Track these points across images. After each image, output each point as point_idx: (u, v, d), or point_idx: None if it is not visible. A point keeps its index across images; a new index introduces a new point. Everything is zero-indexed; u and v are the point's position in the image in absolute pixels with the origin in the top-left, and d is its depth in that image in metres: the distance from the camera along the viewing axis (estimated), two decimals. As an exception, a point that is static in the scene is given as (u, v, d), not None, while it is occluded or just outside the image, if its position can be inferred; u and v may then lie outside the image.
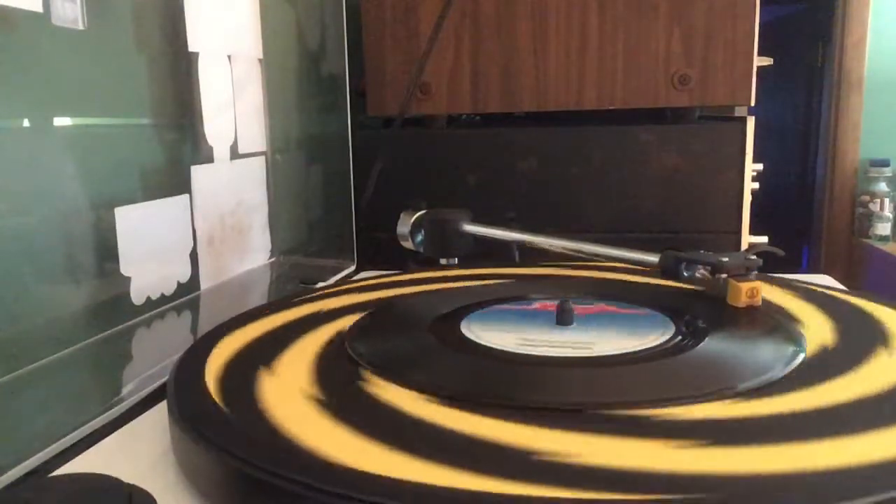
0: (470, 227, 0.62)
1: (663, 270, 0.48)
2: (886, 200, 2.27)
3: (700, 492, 0.23)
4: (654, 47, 0.81)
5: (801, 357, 0.35)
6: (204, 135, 0.61)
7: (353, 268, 0.78)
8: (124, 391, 0.41)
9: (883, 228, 2.27)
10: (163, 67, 0.55)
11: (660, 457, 0.26)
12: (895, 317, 0.42)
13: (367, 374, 0.35)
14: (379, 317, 0.45)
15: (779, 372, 0.33)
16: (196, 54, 0.59)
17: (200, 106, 0.60)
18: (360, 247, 0.80)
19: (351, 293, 0.51)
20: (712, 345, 0.37)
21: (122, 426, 0.36)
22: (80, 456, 0.33)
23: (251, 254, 0.69)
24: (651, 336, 0.39)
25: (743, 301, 0.43)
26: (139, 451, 0.33)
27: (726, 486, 0.24)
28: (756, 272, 0.44)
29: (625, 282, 0.53)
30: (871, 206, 2.30)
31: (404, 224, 0.63)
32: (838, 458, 0.25)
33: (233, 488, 0.28)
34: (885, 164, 2.33)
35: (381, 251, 0.73)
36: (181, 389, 0.34)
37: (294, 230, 0.77)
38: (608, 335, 0.40)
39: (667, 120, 0.85)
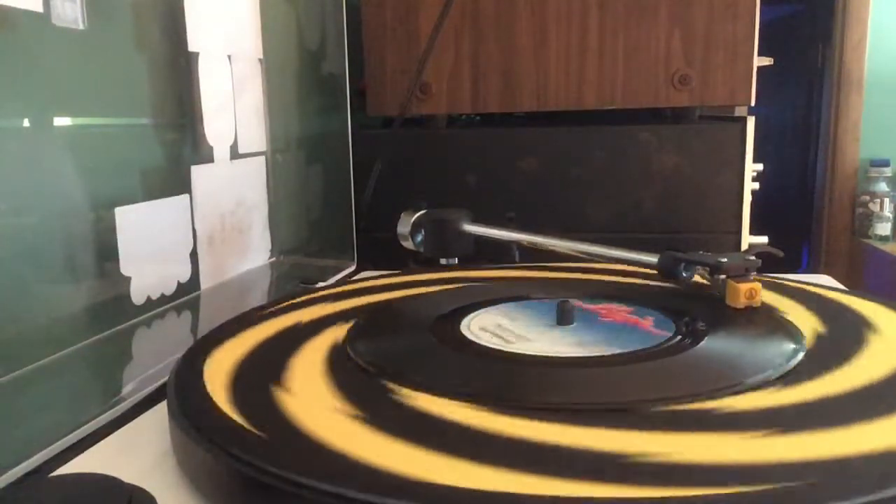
0: (470, 227, 0.62)
1: (662, 271, 0.48)
2: (886, 200, 2.27)
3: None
4: (654, 47, 0.81)
5: (796, 360, 0.35)
6: (204, 135, 0.61)
7: (353, 268, 0.78)
8: (124, 391, 0.41)
9: (883, 228, 2.27)
10: (163, 67, 0.55)
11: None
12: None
13: (367, 376, 0.35)
14: (379, 317, 0.45)
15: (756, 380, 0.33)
16: (196, 54, 0.59)
17: (200, 106, 0.60)
18: (360, 247, 0.80)
19: (351, 293, 0.51)
20: (706, 346, 0.37)
21: (122, 426, 0.36)
22: (80, 456, 0.33)
23: (251, 254, 0.69)
24: (651, 336, 0.39)
25: (742, 302, 0.43)
26: (139, 451, 0.33)
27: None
28: (755, 273, 0.44)
29: (625, 282, 0.53)
30: (871, 206, 2.29)
31: (404, 224, 0.63)
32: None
33: (233, 488, 0.28)
34: (885, 164, 2.32)
35: (381, 251, 0.73)
36: (181, 389, 0.34)
37: (294, 230, 0.77)
38: (608, 335, 0.40)
39: (667, 120, 0.85)
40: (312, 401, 0.32)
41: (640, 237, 0.81)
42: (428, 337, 0.40)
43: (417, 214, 0.63)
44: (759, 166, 0.91)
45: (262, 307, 0.47)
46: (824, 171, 2.41)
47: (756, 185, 0.87)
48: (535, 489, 0.24)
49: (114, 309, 0.50)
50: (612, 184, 0.82)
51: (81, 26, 0.46)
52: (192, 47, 0.58)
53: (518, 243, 0.61)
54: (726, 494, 0.23)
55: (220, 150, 0.63)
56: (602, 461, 0.26)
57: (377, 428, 0.29)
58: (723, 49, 0.79)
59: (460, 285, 0.52)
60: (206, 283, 0.61)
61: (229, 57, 0.64)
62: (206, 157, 0.61)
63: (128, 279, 0.51)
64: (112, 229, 0.49)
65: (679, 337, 0.39)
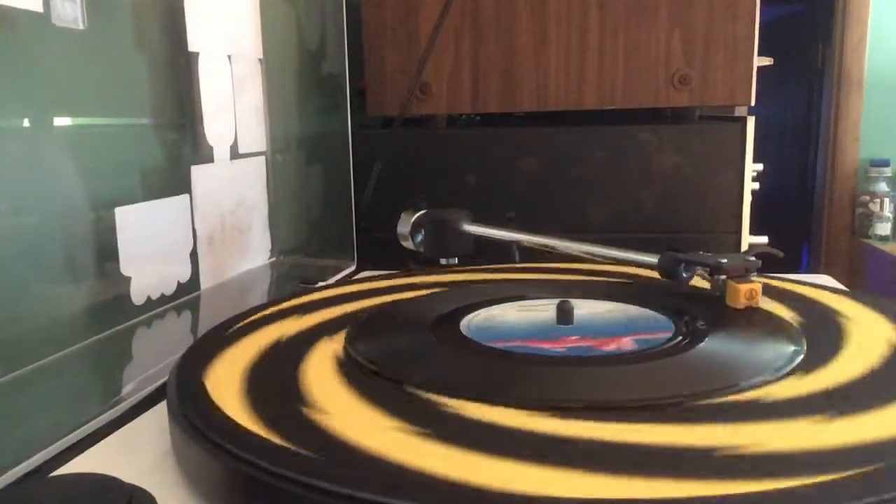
0: (470, 227, 0.62)
1: (662, 271, 0.48)
2: (886, 200, 2.27)
3: None
4: (654, 47, 0.81)
5: (793, 363, 0.35)
6: (204, 135, 0.61)
7: (353, 268, 0.78)
8: (124, 391, 0.41)
9: (883, 228, 2.27)
10: (163, 67, 0.55)
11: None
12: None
13: (367, 377, 0.35)
14: (379, 317, 0.45)
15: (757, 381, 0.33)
16: (196, 54, 0.59)
17: (200, 106, 0.60)
18: (360, 247, 0.80)
19: (351, 293, 0.51)
20: (705, 347, 0.37)
21: (122, 426, 0.36)
22: (80, 456, 0.33)
23: (251, 254, 0.69)
24: (650, 336, 0.39)
25: (742, 302, 0.43)
26: (139, 451, 0.33)
27: None
28: (755, 273, 0.44)
29: (625, 282, 0.53)
30: (871, 206, 2.29)
31: (404, 224, 0.63)
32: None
33: (233, 488, 0.28)
34: (885, 164, 2.33)
35: (381, 251, 0.73)
36: (181, 389, 0.34)
37: (294, 230, 0.77)
38: (608, 335, 0.40)
39: (667, 120, 0.85)
40: (312, 400, 0.32)
41: (640, 237, 0.81)
42: (428, 337, 0.40)
43: (417, 214, 0.63)
44: (759, 166, 0.91)
45: (261, 306, 0.47)
46: (824, 171, 2.42)
47: (756, 185, 0.87)
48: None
49: (114, 309, 0.50)
50: (612, 184, 0.82)
51: (81, 26, 0.46)
52: (192, 47, 0.58)
53: (518, 243, 0.61)
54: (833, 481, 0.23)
55: (220, 150, 0.63)
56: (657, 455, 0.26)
57: (377, 425, 0.29)
58: (723, 49, 0.79)
59: (461, 281, 0.52)
60: (206, 283, 0.61)
61: (229, 57, 0.64)
62: (206, 157, 0.61)
63: (128, 279, 0.51)
64: (112, 229, 0.49)
65: (679, 337, 0.39)
